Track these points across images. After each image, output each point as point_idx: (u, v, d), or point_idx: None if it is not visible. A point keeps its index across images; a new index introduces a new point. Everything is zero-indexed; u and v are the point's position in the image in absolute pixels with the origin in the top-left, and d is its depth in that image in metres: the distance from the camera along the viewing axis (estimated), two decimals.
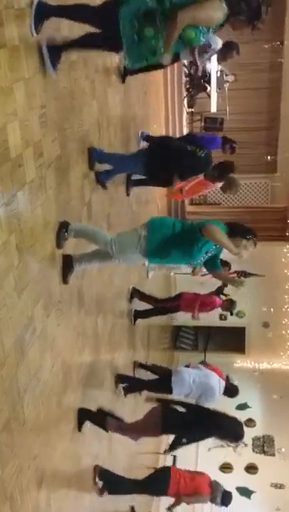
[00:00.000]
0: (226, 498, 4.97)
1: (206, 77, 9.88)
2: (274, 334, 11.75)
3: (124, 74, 5.44)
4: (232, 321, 12.20)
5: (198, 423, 4.71)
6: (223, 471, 9.85)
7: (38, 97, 2.99)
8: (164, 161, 4.65)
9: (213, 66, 10.02)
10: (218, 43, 5.55)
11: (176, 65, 9.72)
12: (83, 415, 4.02)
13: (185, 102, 10.28)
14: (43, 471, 3.10)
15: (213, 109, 10.43)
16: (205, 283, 7.88)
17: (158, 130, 8.20)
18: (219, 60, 5.97)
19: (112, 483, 4.64)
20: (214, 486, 4.96)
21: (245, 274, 8.49)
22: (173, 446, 5.05)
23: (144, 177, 5.49)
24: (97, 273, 4.59)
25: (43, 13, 2.95)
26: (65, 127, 3.57)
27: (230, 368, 11.91)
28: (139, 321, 6.75)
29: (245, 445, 10.57)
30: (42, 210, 3.10)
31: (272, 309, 11.74)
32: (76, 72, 3.88)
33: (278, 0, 10.97)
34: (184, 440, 4.90)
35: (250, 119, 11.77)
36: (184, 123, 10.30)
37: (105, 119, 4.86)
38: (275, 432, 10.75)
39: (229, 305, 6.56)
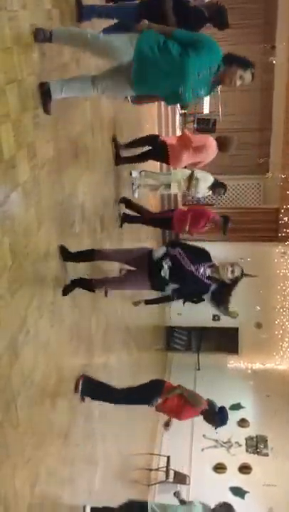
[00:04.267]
0: (223, 417, 4.48)
1: None
2: (267, 334, 11.81)
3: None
4: (225, 321, 12.28)
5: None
6: (217, 472, 9.87)
7: (31, 99, 2.99)
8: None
9: None
10: None
11: None
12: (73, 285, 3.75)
13: None
14: (36, 473, 3.09)
15: (206, 110, 10.50)
16: None
17: (150, 130, 8.21)
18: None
19: (94, 389, 4.30)
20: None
21: None
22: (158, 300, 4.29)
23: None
24: (90, 267, 4.59)
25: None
26: (58, 128, 3.58)
27: (223, 368, 11.97)
28: (132, 319, 6.70)
29: (239, 445, 10.64)
30: (35, 211, 3.10)
31: (265, 310, 11.79)
32: (69, 74, 3.88)
33: (270, 2, 11.07)
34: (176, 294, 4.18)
35: (242, 120, 11.83)
36: (177, 124, 10.34)
37: (98, 120, 4.86)
38: (268, 432, 10.79)
39: (219, 220, 5.95)
